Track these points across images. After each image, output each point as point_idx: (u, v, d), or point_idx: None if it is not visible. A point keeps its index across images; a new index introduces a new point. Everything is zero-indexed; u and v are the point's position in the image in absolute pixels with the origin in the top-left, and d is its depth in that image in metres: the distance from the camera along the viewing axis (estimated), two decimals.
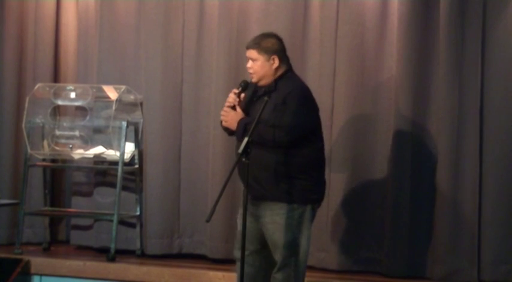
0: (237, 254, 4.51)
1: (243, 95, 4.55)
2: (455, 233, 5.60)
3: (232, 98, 4.52)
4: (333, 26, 5.86)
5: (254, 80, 4.53)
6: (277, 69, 4.52)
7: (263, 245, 4.53)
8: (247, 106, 4.55)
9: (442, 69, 5.66)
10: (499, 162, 5.61)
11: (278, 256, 4.44)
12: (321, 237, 5.82)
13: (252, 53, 4.51)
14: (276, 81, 4.50)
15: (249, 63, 4.53)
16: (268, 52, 4.50)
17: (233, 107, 4.51)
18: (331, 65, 5.86)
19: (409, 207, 5.69)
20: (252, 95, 4.55)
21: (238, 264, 4.56)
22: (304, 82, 4.67)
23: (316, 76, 5.81)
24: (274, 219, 4.42)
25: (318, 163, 4.54)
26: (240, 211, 4.52)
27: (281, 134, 4.34)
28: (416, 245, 5.71)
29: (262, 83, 4.52)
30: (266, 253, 4.54)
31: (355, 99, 5.84)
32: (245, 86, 4.55)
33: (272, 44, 4.53)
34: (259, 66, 4.49)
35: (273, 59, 4.50)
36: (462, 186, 5.63)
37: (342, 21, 5.85)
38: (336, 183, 5.81)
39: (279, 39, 4.59)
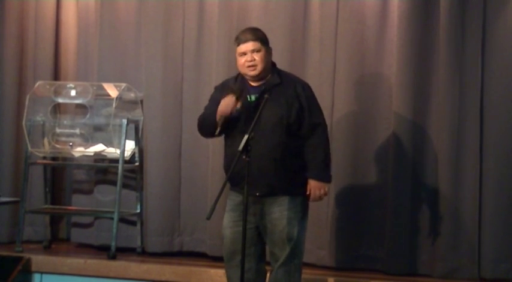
0: (229, 268, 4.53)
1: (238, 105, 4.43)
2: (455, 230, 5.61)
3: (231, 102, 4.41)
4: (333, 24, 5.87)
5: (255, 72, 4.47)
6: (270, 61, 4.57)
7: (255, 245, 4.53)
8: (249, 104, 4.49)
9: (442, 67, 5.66)
10: (499, 160, 5.61)
11: (282, 251, 4.44)
12: (321, 235, 5.82)
13: (255, 45, 4.47)
14: (277, 74, 4.53)
15: (248, 56, 4.47)
16: (266, 43, 4.53)
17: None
18: (331, 62, 5.86)
19: (409, 205, 5.69)
20: (267, 91, 4.43)
21: (229, 272, 4.55)
22: None
23: (316, 74, 5.81)
24: (284, 214, 4.43)
25: None
26: (228, 216, 4.54)
27: (325, 129, 4.56)
28: (417, 243, 5.71)
29: (261, 76, 4.50)
30: (259, 252, 4.55)
31: (355, 97, 5.85)
32: (240, 92, 4.43)
33: (266, 36, 4.56)
34: (262, 58, 4.47)
35: (270, 51, 4.55)
36: (462, 184, 5.63)
37: (342, 19, 5.85)
38: (336, 180, 5.79)
39: None
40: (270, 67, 4.54)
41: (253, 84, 4.53)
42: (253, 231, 4.50)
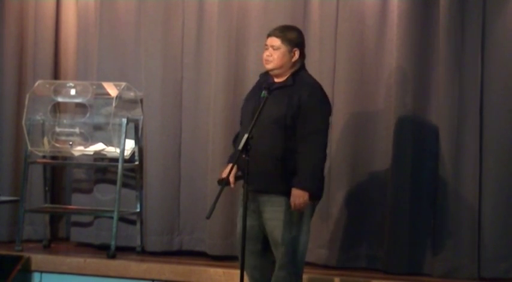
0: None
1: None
2: (455, 230, 5.61)
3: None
4: (333, 23, 5.87)
5: (269, 66, 4.53)
6: (294, 63, 4.54)
7: (265, 245, 4.53)
8: (256, 99, 4.50)
9: (442, 66, 5.66)
10: (499, 160, 5.61)
11: (278, 253, 4.44)
12: (322, 234, 5.82)
13: (275, 41, 4.51)
14: (293, 76, 4.52)
15: (268, 51, 4.52)
16: (291, 44, 4.52)
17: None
18: (331, 62, 5.87)
19: (409, 204, 5.69)
20: (267, 89, 4.43)
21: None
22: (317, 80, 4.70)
23: (316, 73, 5.75)
24: (274, 215, 4.42)
25: None
26: (241, 211, 4.52)
27: (320, 139, 4.45)
28: (417, 242, 5.71)
29: (276, 72, 4.53)
30: (269, 253, 4.54)
31: (355, 96, 5.85)
32: (224, 184, 4.37)
33: (296, 37, 4.56)
34: (279, 56, 4.50)
35: (294, 52, 4.53)
36: (462, 184, 5.63)
37: (342, 19, 5.85)
38: (337, 180, 5.81)
39: (302, 34, 4.64)
40: (289, 67, 4.53)
41: (276, 80, 4.56)
42: (258, 229, 4.50)
